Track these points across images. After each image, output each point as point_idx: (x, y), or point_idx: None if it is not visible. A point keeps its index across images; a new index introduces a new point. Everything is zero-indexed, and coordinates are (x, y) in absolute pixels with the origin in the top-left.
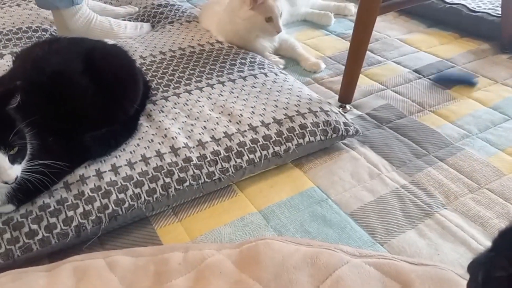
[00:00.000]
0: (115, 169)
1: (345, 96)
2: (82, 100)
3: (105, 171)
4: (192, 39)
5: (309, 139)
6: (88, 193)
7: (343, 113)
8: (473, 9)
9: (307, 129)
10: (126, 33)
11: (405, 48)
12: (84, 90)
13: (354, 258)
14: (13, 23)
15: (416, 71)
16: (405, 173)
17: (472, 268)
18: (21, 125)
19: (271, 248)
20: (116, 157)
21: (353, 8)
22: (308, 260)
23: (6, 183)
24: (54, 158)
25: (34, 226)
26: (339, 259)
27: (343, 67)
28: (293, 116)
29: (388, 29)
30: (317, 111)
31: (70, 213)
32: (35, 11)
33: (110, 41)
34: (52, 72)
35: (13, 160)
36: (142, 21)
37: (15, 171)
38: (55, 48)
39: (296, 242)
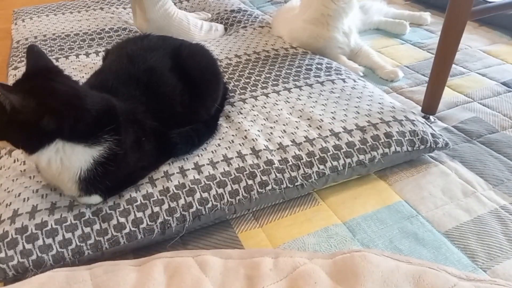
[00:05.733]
0: (198, 168)
1: (430, 107)
2: (172, 96)
3: (188, 169)
4: (266, 43)
5: (395, 149)
6: (173, 190)
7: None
8: None
9: (393, 138)
10: (201, 36)
11: (489, 59)
12: (174, 87)
13: (461, 281)
14: (97, 25)
15: (504, 84)
16: (503, 193)
17: None
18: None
19: (368, 262)
20: (198, 156)
21: (428, 18)
22: (410, 279)
23: None
24: (143, 151)
25: (122, 219)
26: (445, 281)
27: (423, 77)
28: (377, 123)
29: (468, 39)
30: (402, 120)
31: (156, 209)
32: (117, 14)
33: None
34: (146, 68)
35: None
36: None
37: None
38: (146, 44)
39: (394, 257)
